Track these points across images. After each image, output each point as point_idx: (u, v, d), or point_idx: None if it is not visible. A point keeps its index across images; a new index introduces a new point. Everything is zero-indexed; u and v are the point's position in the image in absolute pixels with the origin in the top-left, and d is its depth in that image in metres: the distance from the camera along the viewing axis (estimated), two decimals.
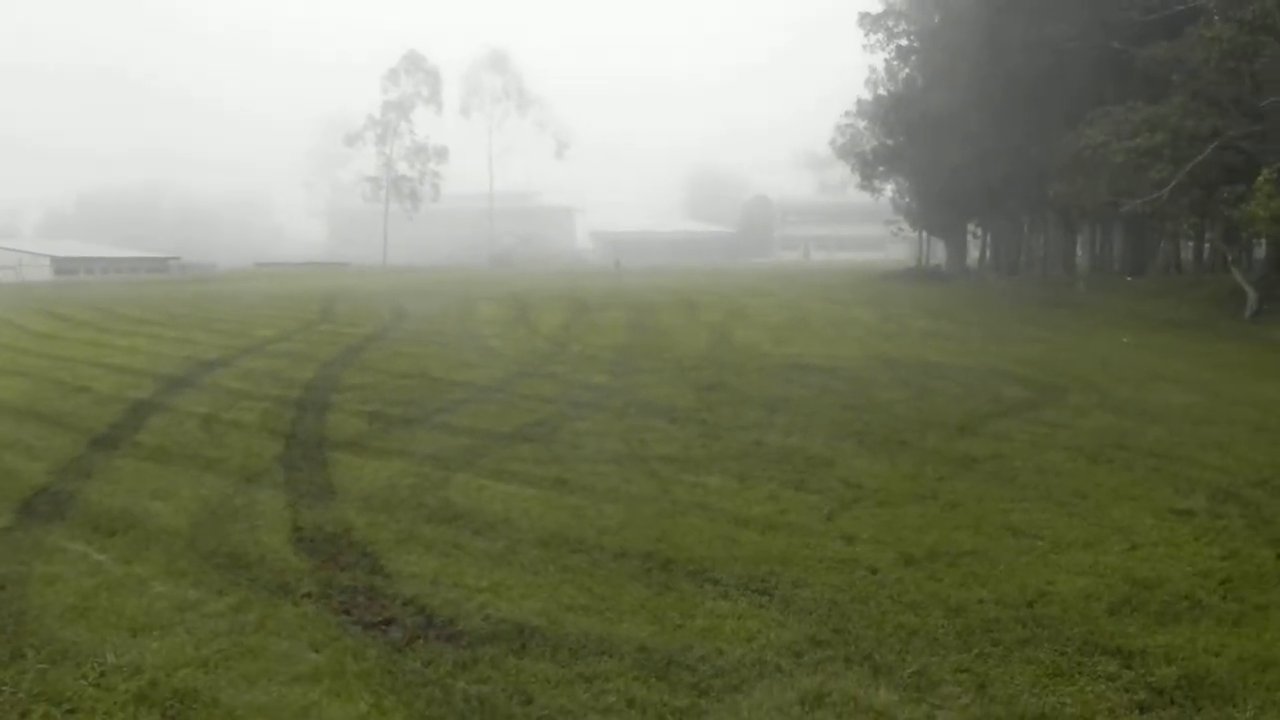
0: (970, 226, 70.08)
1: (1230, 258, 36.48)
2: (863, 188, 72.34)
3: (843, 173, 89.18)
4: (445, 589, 7.88)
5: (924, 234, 75.85)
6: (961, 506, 10.19)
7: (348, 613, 7.50)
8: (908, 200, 71.49)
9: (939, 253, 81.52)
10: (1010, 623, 7.24)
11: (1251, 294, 32.31)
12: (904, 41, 63.14)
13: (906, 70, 65.05)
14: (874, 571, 8.28)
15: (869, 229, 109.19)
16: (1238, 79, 31.31)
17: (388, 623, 7.31)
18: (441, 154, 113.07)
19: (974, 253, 73.67)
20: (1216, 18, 29.49)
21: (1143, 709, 6.05)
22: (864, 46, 63.38)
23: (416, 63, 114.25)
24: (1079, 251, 58.36)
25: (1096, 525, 9.55)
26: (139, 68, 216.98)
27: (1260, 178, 27.94)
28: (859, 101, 69.72)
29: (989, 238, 69.57)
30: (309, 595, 7.83)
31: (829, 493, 10.75)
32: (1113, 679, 6.40)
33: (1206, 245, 43.81)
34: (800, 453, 12.59)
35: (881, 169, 68.94)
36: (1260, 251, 38.44)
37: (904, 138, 63.04)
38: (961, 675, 6.47)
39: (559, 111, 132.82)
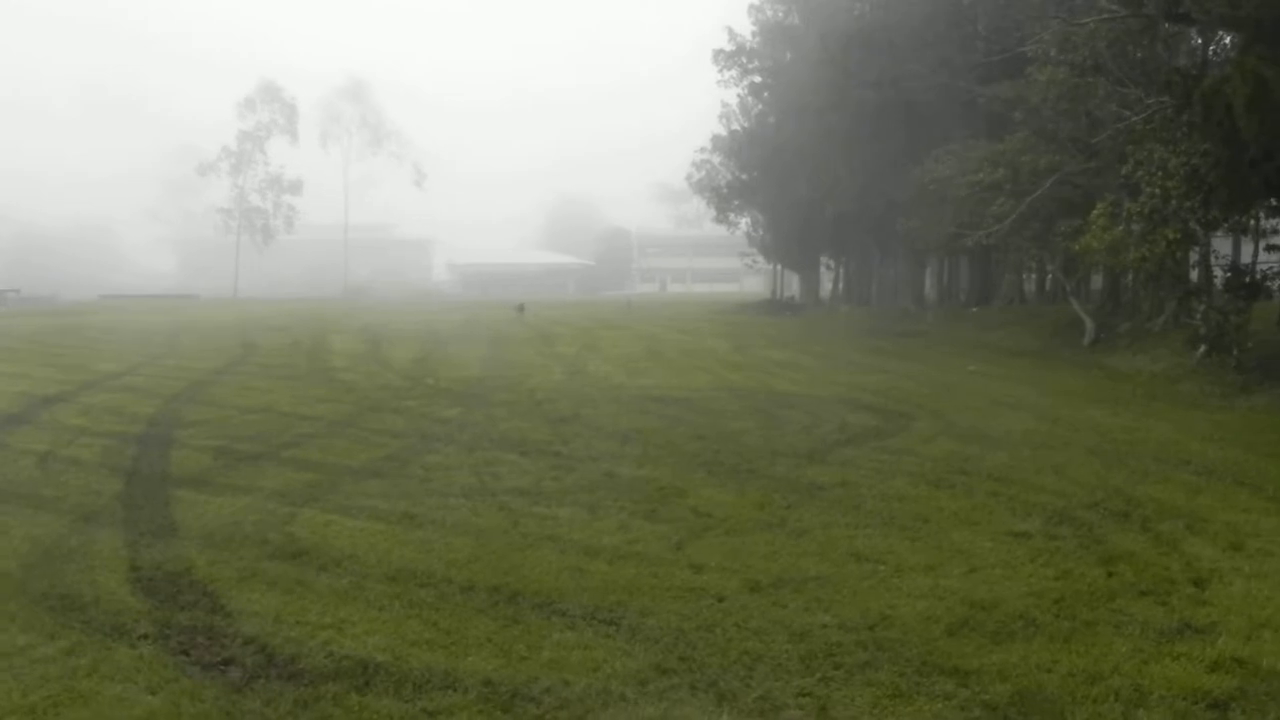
0: (823, 259, 71.54)
1: (1069, 288, 37.88)
2: (718, 221, 73.46)
3: (699, 206, 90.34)
4: (288, 627, 7.73)
5: (778, 267, 77.15)
6: (808, 534, 10.39)
7: (186, 653, 7.29)
8: (762, 234, 72.65)
9: (793, 285, 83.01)
10: (852, 646, 7.40)
11: (1089, 323, 33.63)
12: (757, 78, 64.41)
13: (760, 106, 66.31)
14: (720, 599, 8.38)
15: (725, 262, 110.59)
16: (1074, 118, 32.71)
17: (227, 663, 7.13)
18: (296, 186, 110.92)
19: (827, 285, 75.20)
20: (1053, 59, 30.72)
21: None
22: (718, 82, 64.51)
23: (273, 93, 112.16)
24: (928, 283, 60.00)
25: (937, 549, 9.83)
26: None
27: (1095, 211, 29.14)
28: (714, 137, 70.79)
29: (841, 270, 71.09)
30: (146, 636, 7.60)
31: (679, 522, 10.86)
32: (949, 698, 6.59)
33: (1048, 276, 45.44)
34: (651, 483, 12.69)
35: (736, 203, 70.11)
36: (1097, 282, 40.00)
37: (757, 172, 64.29)
38: (804, 699, 6.59)
39: (420, 138, 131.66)
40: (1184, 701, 6.48)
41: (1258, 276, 29.70)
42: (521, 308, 42.24)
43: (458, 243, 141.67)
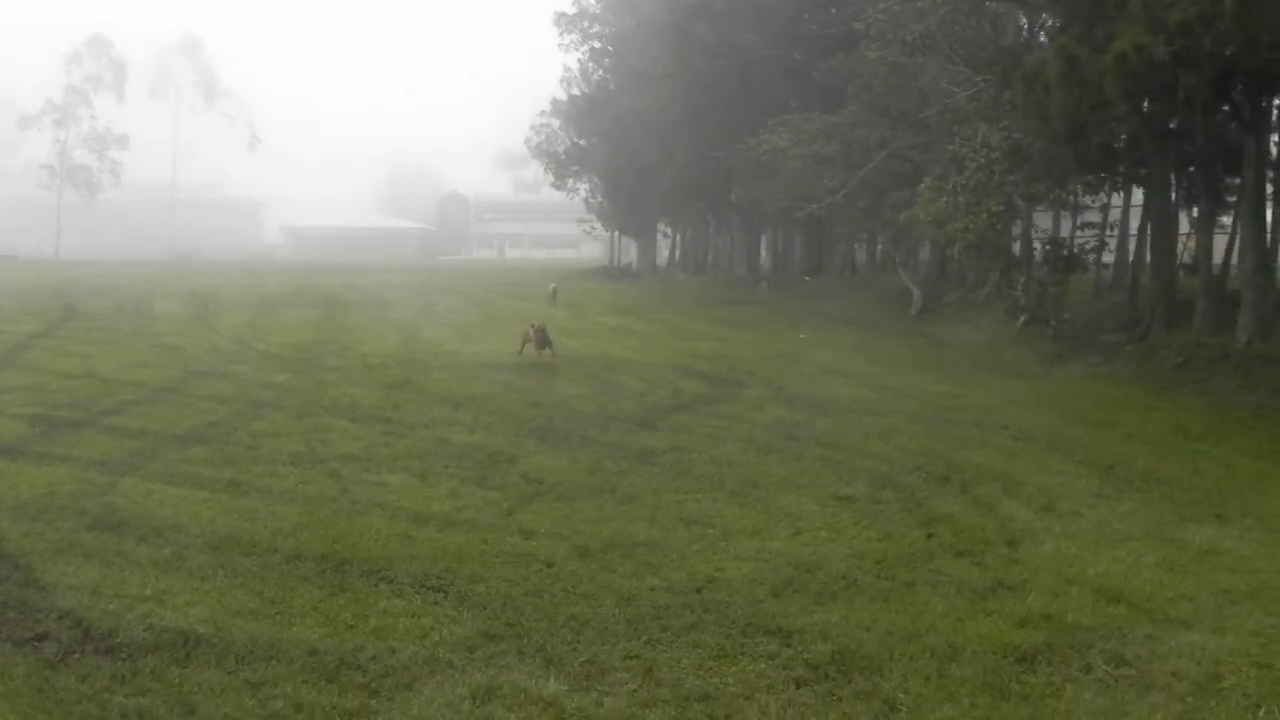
0: (661, 226, 71.98)
1: (898, 259, 38.96)
2: (556, 187, 73.43)
3: (539, 171, 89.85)
4: (106, 599, 7.41)
5: (616, 234, 77.38)
6: (638, 499, 10.48)
7: None
8: (600, 200, 72.74)
9: (631, 252, 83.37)
10: (679, 609, 7.48)
11: (917, 293, 34.66)
12: (598, 44, 64.29)
13: (601, 72, 66.19)
14: (550, 565, 8.38)
15: (564, 228, 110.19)
16: (904, 94, 33.53)
17: (40, 638, 6.79)
18: (123, 141, 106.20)
19: (664, 252, 75.71)
20: (885, 36, 31.38)
21: (799, 684, 6.37)
22: (559, 46, 64.19)
23: (102, 47, 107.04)
24: (763, 252, 60.88)
25: (765, 513, 10.02)
26: None
27: (923, 184, 30.00)
28: (554, 101, 70.44)
29: (678, 238, 71.65)
30: None
31: (510, 488, 10.82)
32: (773, 657, 6.71)
33: (879, 247, 46.59)
34: (483, 449, 12.61)
35: (575, 168, 70.07)
36: (925, 253, 41.17)
37: (596, 138, 64.25)
38: (630, 662, 6.63)
39: (255, 98, 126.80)
40: (994, 656, 6.73)
41: (1075, 250, 31.04)
42: (554, 291, 37.55)
43: (293, 206, 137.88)
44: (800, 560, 8.57)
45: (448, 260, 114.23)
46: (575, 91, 68.12)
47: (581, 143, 67.55)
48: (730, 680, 6.39)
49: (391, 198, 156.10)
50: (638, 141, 55.14)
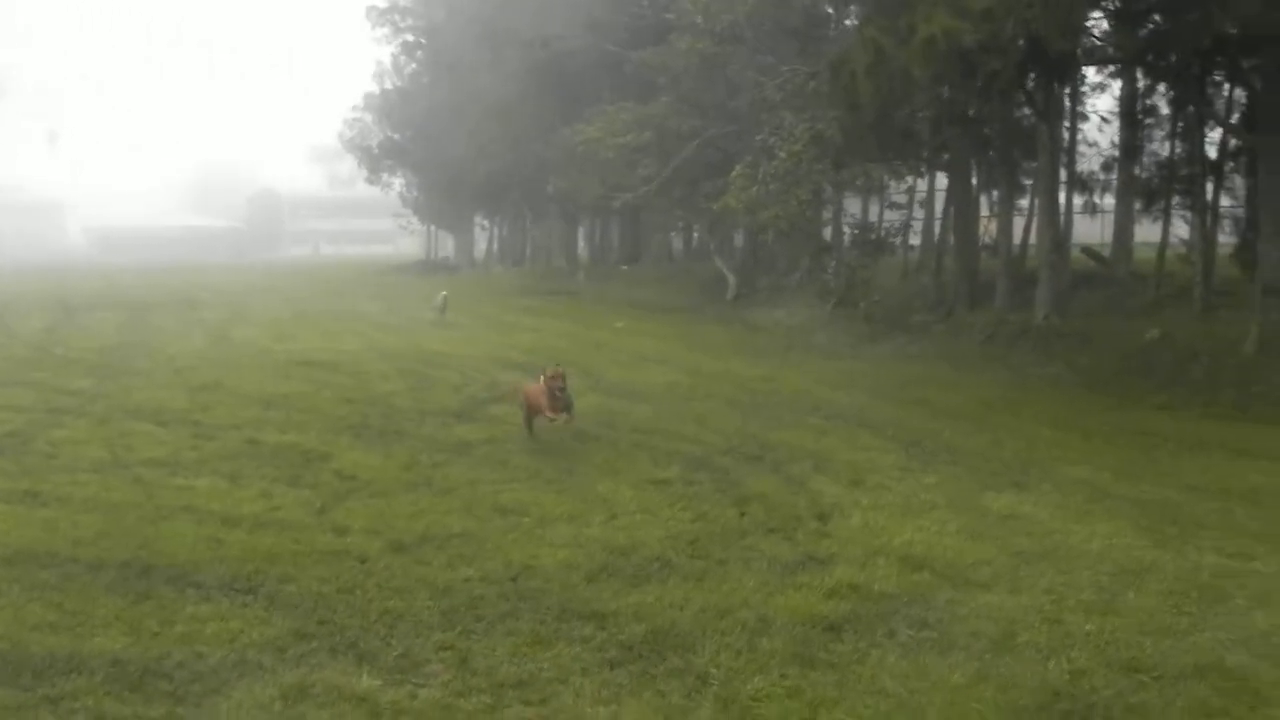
0: (479, 219, 71.48)
1: (714, 246, 39.50)
2: (371, 182, 72.05)
3: (352, 167, 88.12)
4: None
5: (432, 228, 76.50)
6: (454, 491, 10.44)
7: None
8: (416, 194, 71.76)
9: (449, 246, 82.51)
10: (494, 598, 7.49)
11: (732, 279, 35.24)
12: (410, 37, 63.37)
13: (413, 65, 65.29)
14: (363, 561, 8.28)
15: (380, 223, 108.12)
16: (715, 84, 34.04)
17: None
18: None
19: (482, 245, 75.19)
20: (695, 27, 31.77)
21: (613, 665, 6.45)
22: (372, 39, 63.09)
23: None
24: (580, 243, 61.00)
25: (581, 500, 10.09)
26: None
27: (734, 172, 30.45)
28: (366, 95, 69.18)
29: (496, 231, 71.28)
30: None
31: (323, 487, 10.64)
32: (587, 641, 6.78)
33: (694, 235, 47.18)
34: (295, 448, 12.36)
35: (389, 162, 68.94)
36: (740, 240, 41.84)
37: (410, 132, 63.34)
38: (445, 653, 6.61)
39: (60, 100, 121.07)
40: (803, 627, 6.94)
41: (883, 234, 32.05)
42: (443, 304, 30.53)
43: (97, 207, 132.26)
44: (615, 545, 8.66)
45: (261, 258, 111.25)
46: (388, 85, 67.09)
47: (395, 136, 66.44)
48: (545, 665, 6.43)
49: (202, 196, 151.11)
50: (452, 134, 54.58)
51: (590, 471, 11.21)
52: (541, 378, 12.48)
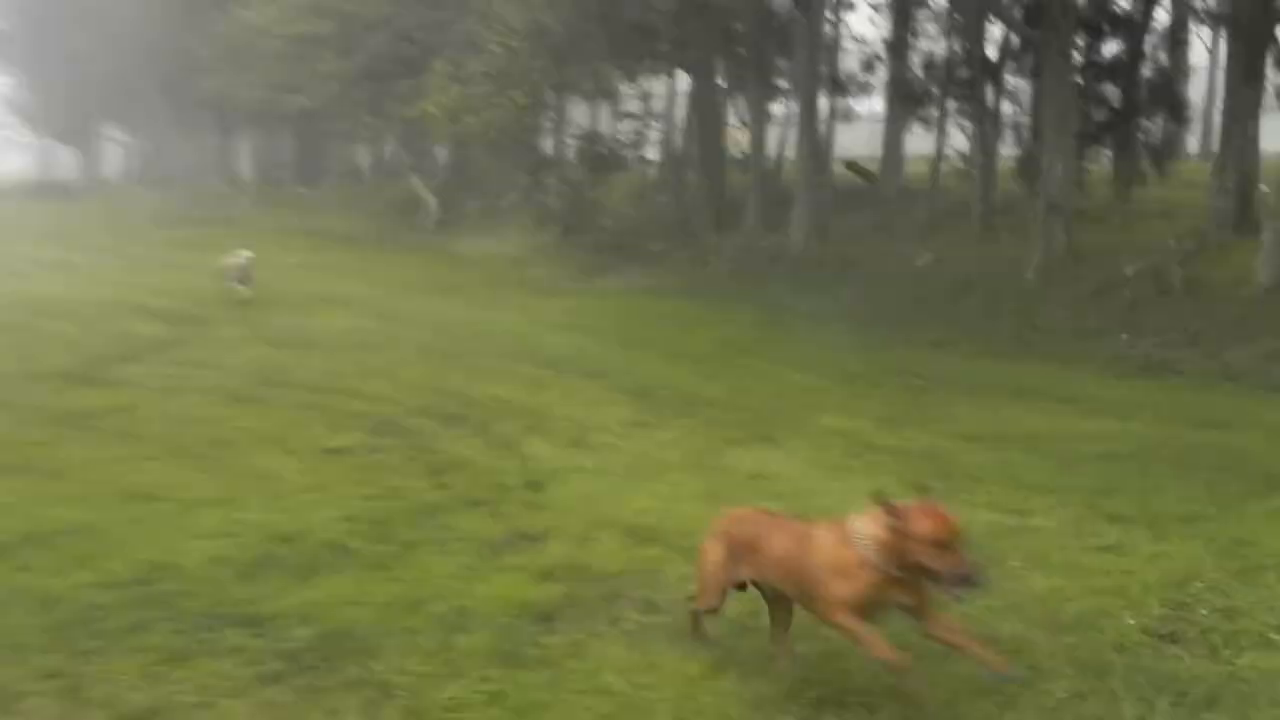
0: (111, 131, 68.49)
1: (410, 163, 39.02)
2: None
3: None
4: None
5: (50, 141, 72.80)
6: (68, 474, 9.98)
7: None
8: (26, 97, 68.06)
9: (74, 164, 78.72)
10: (118, 607, 7.11)
11: (432, 202, 34.97)
12: None
13: None
14: None
15: None
16: None
17: None
18: None
19: (118, 164, 72.12)
20: None
21: (272, 680, 6.20)
22: None
23: None
24: (244, 159, 59.34)
25: (236, 478, 9.81)
26: None
27: (434, 70, 30.04)
28: None
29: (137, 146, 68.52)
30: None
31: None
32: (239, 652, 6.50)
33: (387, 150, 46.49)
34: None
35: None
36: (443, 156, 41.43)
37: (16, 18, 60.01)
38: (50, 682, 6.22)
39: None
40: (509, 619, 6.87)
41: (614, 147, 32.26)
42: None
43: None
44: (278, 531, 8.42)
45: None
46: None
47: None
48: (183, 688, 6.13)
49: None
50: (69, 22, 51.98)
51: (248, 442, 10.92)
52: None
